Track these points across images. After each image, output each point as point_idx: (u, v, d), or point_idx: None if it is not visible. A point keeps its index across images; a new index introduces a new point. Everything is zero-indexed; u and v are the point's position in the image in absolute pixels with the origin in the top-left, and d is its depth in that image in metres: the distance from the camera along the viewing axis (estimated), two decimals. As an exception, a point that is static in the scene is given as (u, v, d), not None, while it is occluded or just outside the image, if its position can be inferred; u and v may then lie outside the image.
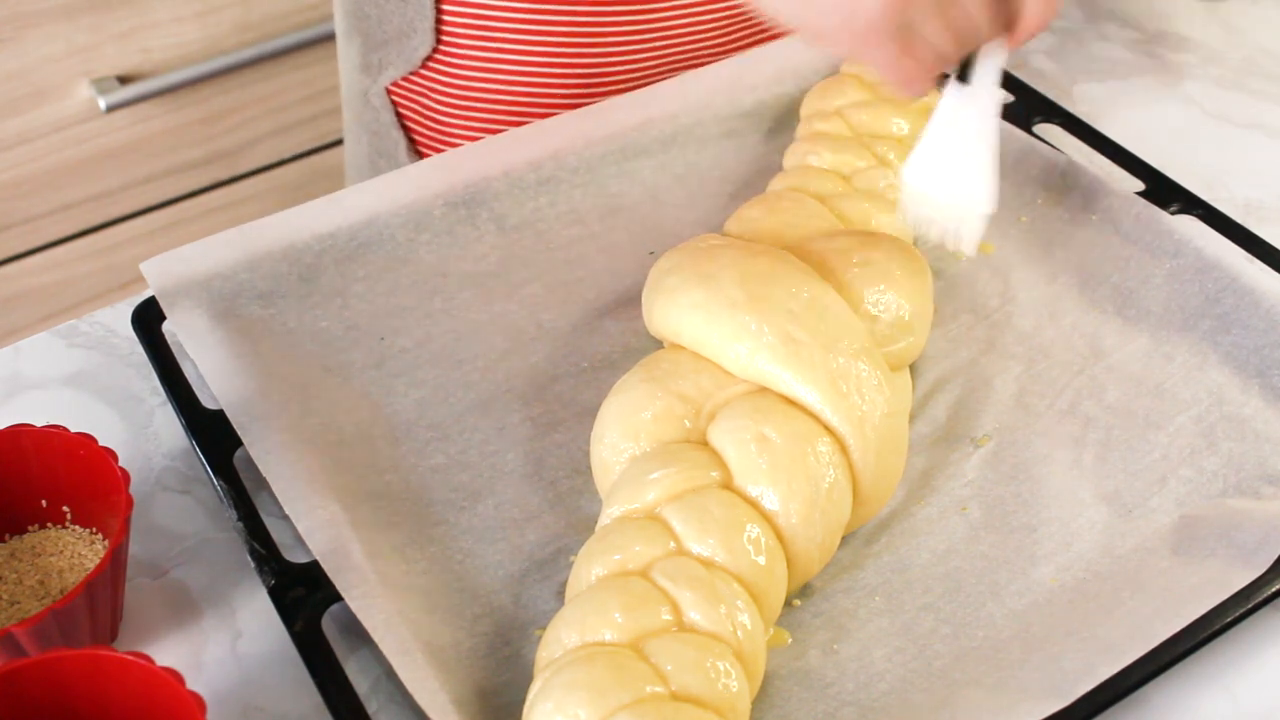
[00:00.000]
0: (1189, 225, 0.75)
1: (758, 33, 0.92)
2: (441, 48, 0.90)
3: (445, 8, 0.88)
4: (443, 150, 0.94)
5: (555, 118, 0.81)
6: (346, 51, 0.96)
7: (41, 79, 1.39)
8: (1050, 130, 0.84)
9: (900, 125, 0.80)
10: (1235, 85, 0.92)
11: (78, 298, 1.56)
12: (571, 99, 0.90)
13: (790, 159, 0.79)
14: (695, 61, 0.92)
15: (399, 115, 0.95)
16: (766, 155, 0.84)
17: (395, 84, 0.94)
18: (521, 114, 0.91)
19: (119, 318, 0.73)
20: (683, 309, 0.64)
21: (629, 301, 0.74)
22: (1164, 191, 0.78)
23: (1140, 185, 0.79)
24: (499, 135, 0.80)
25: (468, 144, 0.80)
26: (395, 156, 0.96)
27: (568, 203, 0.79)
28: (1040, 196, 0.80)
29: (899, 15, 0.56)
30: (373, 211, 0.75)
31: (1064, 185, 0.79)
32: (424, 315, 0.73)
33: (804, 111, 0.83)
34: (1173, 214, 0.76)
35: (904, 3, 0.56)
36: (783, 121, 0.85)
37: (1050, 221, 0.79)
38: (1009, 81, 0.87)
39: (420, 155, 0.97)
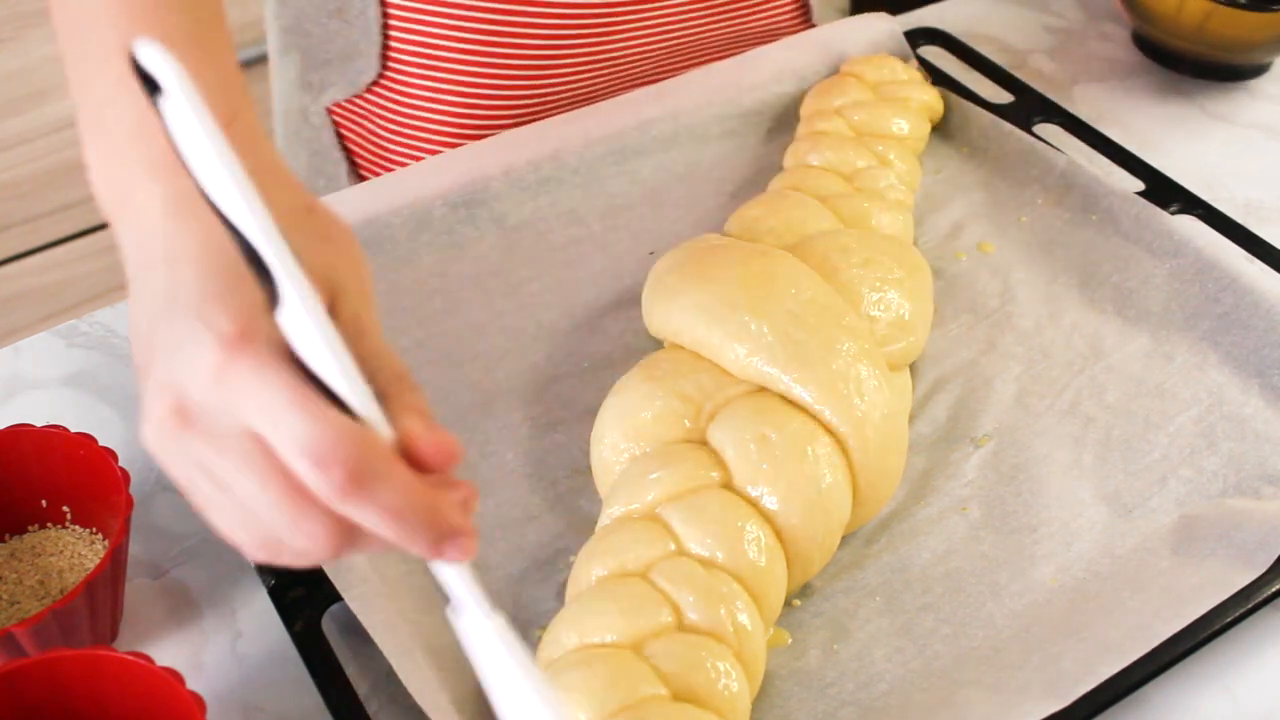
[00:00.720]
0: (1189, 225, 0.75)
1: (705, 64, 0.90)
2: (387, 73, 0.88)
3: (392, 35, 0.86)
4: (386, 171, 0.91)
5: (555, 117, 0.81)
6: (281, 67, 0.93)
7: (41, 79, 1.39)
8: (1050, 130, 0.84)
9: (901, 125, 0.80)
10: (1236, 85, 0.92)
11: (78, 298, 1.56)
12: (519, 122, 0.88)
13: (790, 159, 0.79)
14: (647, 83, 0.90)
15: (340, 135, 0.93)
16: (766, 155, 0.84)
17: (337, 104, 0.91)
18: (469, 137, 0.88)
19: (119, 318, 0.73)
20: (683, 309, 0.64)
21: (629, 301, 0.74)
22: (1164, 191, 0.78)
23: (1140, 185, 0.79)
24: (499, 135, 0.80)
25: (468, 144, 0.80)
26: (337, 177, 0.94)
27: (568, 203, 0.79)
28: (1040, 196, 0.80)
29: (173, 462, 0.43)
30: (373, 211, 0.75)
31: (1064, 185, 0.79)
32: (424, 315, 0.73)
33: (804, 111, 0.83)
34: (1173, 214, 0.76)
35: (163, 451, 0.43)
36: (783, 121, 0.85)
37: (1050, 221, 0.79)
38: (1009, 81, 0.87)
39: (362, 177, 0.94)
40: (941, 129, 0.85)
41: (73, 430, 0.60)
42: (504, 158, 0.78)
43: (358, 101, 0.90)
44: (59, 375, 0.71)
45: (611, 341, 0.72)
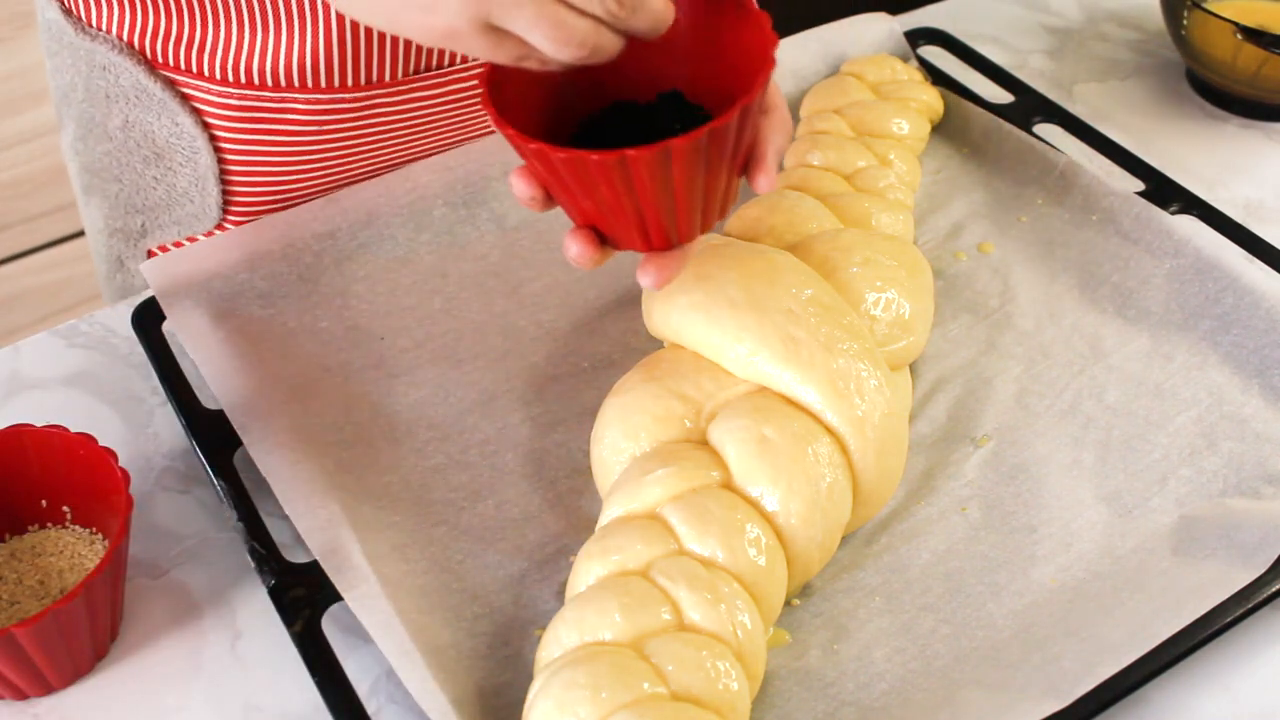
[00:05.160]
0: (1189, 225, 0.75)
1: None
2: (231, 216, 0.79)
3: (231, 174, 0.77)
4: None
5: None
6: (86, 206, 0.84)
7: (42, 79, 1.39)
8: (1050, 130, 0.84)
9: (901, 125, 0.80)
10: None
11: (78, 298, 1.56)
12: None
13: (790, 159, 0.79)
14: None
15: None
16: (766, 155, 0.83)
17: (162, 246, 0.82)
18: None
19: (119, 318, 0.73)
20: (683, 309, 0.64)
21: (629, 301, 0.74)
22: (1164, 191, 0.78)
23: (1140, 185, 0.79)
24: (499, 135, 0.80)
25: (468, 143, 0.79)
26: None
27: (568, 203, 0.79)
28: (1040, 196, 0.80)
29: (480, 15, 0.50)
30: (373, 211, 0.75)
31: (1064, 185, 0.79)
32: (424, 315, 0.73)
33: (804, 111, 0.83)
34: (1173, 214, 0.76)
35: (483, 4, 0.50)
36: (783, 121, 0.85)
37: (1050, 221, 0.79)
38: (1010, 82, 0.87)
39: None
40: (941, 129, 0.85)
41: (73, 430, 0.60)
42: (504, 157, 0.78)
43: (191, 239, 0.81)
44: (59, 375, 0.71)
45: (611, 341, 0.72)
